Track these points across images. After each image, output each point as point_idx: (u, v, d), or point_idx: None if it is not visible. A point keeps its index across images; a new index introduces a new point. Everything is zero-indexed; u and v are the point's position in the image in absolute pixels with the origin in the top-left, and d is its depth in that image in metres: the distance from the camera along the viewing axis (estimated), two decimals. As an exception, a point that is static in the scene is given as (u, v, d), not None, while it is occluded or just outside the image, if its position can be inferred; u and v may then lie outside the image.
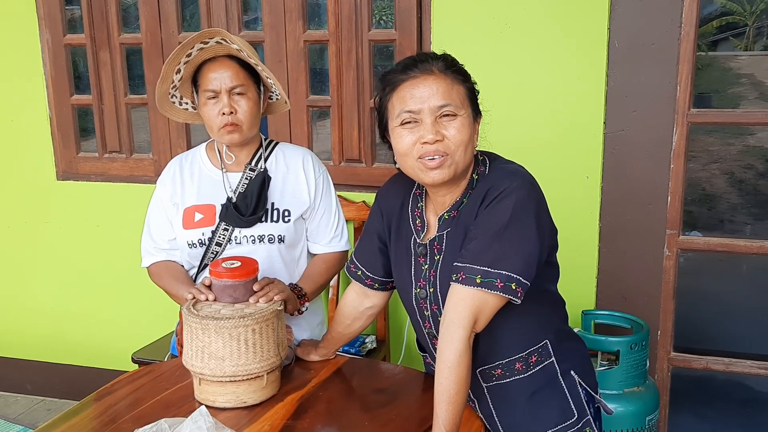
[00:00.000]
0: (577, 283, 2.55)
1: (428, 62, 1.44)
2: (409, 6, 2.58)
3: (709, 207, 6.67)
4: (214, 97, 1.80)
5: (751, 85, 13.70)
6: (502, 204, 1.39)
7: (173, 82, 1.83)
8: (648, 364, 2.35)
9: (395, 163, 1.54)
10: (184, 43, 1.76)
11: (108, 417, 1.55)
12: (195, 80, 1.85)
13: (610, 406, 1.66)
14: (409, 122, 1.42)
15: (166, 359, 2.41)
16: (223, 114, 1.79)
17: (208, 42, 1.77)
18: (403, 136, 1.43)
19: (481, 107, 1.50)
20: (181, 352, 1.98)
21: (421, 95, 1.41)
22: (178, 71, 1.81)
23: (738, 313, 4.30)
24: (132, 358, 2.63)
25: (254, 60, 1.81)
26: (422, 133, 1.40)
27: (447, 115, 1.41)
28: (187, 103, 1.92)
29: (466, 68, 1.49)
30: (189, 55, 1.78)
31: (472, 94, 1.47)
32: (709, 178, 7.68)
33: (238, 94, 1.81)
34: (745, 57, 16.94)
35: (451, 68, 1.44)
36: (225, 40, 1.77)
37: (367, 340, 2.68)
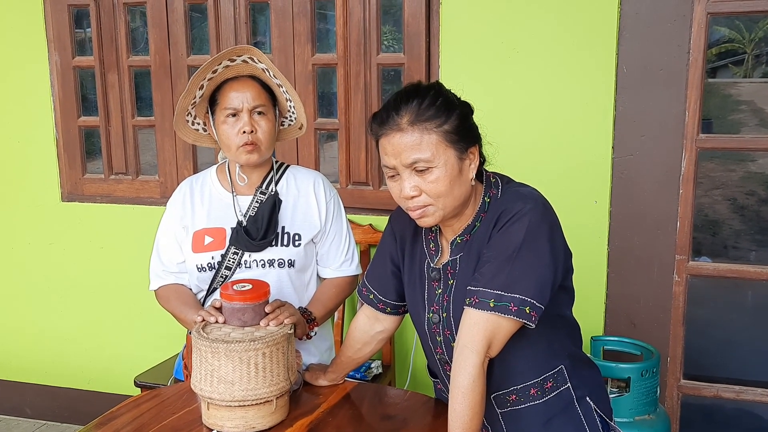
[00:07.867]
0: (586, 309, 2.51)
1: (396, 116, 1.39)
2: (417, 31, 2.60)
3: (713, 233, 6.65)
4: (234, 115, 1.79)
5: (751, 112, 13.73)
6: (515, 227, 1.38)
7: (195, 97, 1.82)
8: (659, 392, 2.33)
9: None
10: (212, 58, 1.76)
11: (114, 442, 1.53)
12: (212, 99, 1.84)
13: (623, 434, 1.64)
14: (393, 175, 1.43)
15: (169, 383, 2.38)
16: (244, 132, 1.77)
17: (235, 60, 1.77)
18: (391, 187, 1.45)
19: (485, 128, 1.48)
20: (187, 376, 1.95)
21: (394, 151, 1.39)
22: (201, 87, 1.80)
23: (744, 340, 4.26)
24: (135, 381, 2.60)
25: (279, 80, 1.81)
26: (402, 186, 1.41)
27: (421, 169, 1.39)
28: (198, 124, 1.91)
29: (451, 97, 1.42)
30: (215, 72, 1.77)
31: (454, 132, 1.39)
32: (712, 204, 7.66)
33: (259, 113, 1.80)
34: (745, 84, 17.02)
35: (420, 118, 1.37)
36: (253, 59, 1.78)
37: (373, 366, 2.65)
